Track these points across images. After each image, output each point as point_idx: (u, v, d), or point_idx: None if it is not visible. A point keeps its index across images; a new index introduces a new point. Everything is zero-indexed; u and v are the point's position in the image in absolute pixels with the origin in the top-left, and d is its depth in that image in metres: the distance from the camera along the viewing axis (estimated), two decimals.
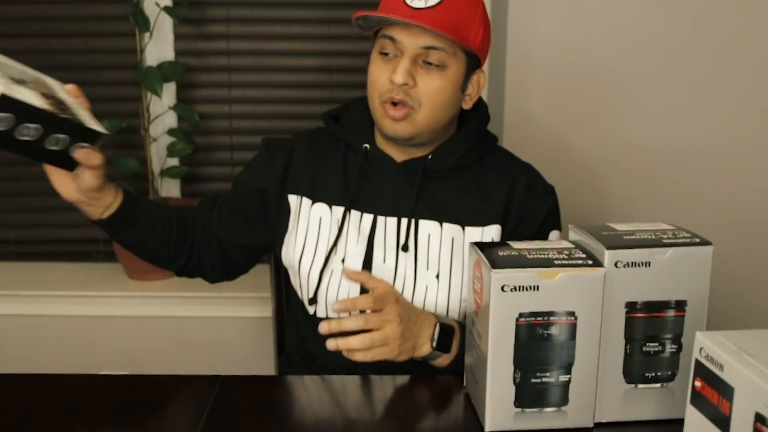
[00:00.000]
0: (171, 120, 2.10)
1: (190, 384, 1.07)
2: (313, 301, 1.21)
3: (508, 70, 1.91)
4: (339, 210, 1.21)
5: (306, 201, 1.23)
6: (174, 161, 2.12)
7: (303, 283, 1.22)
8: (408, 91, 1.12)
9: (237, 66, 2.09)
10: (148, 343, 2.00)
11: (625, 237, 0.90)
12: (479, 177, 1.22)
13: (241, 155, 2.13)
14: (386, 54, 1.14)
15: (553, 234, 1.23)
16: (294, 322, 1.32)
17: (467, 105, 1.22)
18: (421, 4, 1.09)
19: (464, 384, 1.00)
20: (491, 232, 1.19)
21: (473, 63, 1.18)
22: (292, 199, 1.24)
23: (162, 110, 2.06)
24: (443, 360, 1.10)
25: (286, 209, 1.24)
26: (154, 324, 1.99)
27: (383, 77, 1.14)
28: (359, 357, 1.02)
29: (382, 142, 1.22)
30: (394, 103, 1.13)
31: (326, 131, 1.28)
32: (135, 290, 1.99)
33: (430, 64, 1.12)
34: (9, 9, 2.03)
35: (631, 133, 1.94)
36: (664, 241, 0.88)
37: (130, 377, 1.08)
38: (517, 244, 0.93)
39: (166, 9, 1.94)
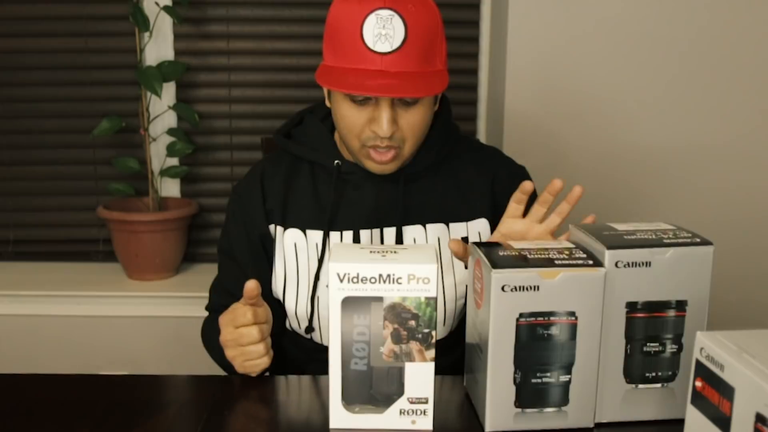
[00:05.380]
0: (170, 120, 2.10)
1: (190, 384, 1.07)
2: (309, 329, 1.19)
3: (508, 71, 1.91)
4: (315, 234, 1.17)
5: (279, 229, 1.19)
6: (174, 161, 2.12)
7: (292, 315, 1.19)
8: (392, 135, 1.08)
9: (237, 66, 2.09)
10: (148, 343, 2.00)
11: (625, 237, 0.90)
12: (454, 170, 1.22)
13: (241, 155, 2.13)
14: (359, 100, 1.08)
15: None
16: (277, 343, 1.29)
17: (436, 107, 1.19)
18: (387, 48, 1.03)
19: (464, 384, 1.00)
20: (477, 227, 1.19)
21: None
22: (271, 228, 1.20)
23: (161, 110, 2.06)
24: None
25: (271, 240, 1.20)
26: (154, 324, 1.99)
27: (360, 123, 1.09)
28: None
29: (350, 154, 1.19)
30: (379, 148, 1.10)
31: (285, 152, 1.24)
32: (134, 290, 1.99)
33: (408, 102, 1.08)
34: (9, 9, 2.03)
35: (630, 134, 1.94)
36: (664, 241, 0.88)
37: (130, 377, 1.08)
38: (517, 244, 0.93)
39: (166, 8, 1.94)
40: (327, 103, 1.18)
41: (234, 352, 1.01)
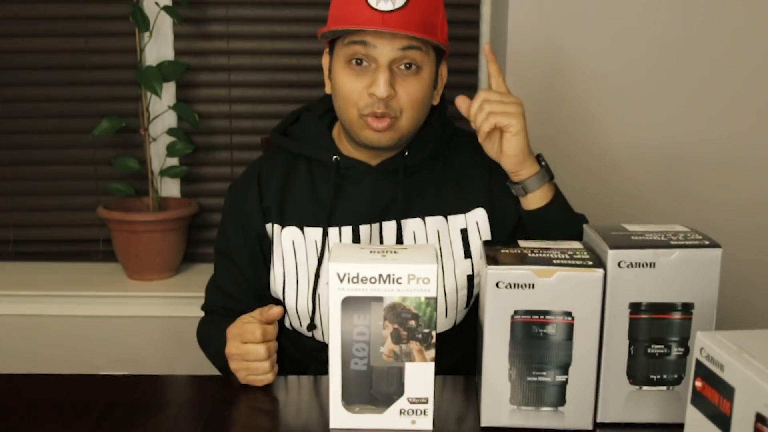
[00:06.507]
0: (170, 120, 2.10)
1: (190, 384, 1.07)
2: (311, 326, 1.19)
3: (508, 70, 1.91)
4: (314, 231, 1.17)
5: (276, 227, 1.19)
6: (174, 161, 2.12)
7: (293, 313, 1.19)
8: (389, 102, 1.09)
9: (237, 66, 2.09)
10: (148, 343, 2.00)
11: (632, 238, 0.89)
12: (451, 163, 1.23)
13: (241, 155, 2.13)
14: (359, 63, 1.10)
15: None
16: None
17: (436, 101, 1.20)
18: (389, 7, 1.06)
19: (476, 379, 1.01)
20: (475, 217, 1.19)
21: (439, 57, 1.17)
22: (268, 227, 1.20)
23: (162, 110, 2.06)
24: (544, 193, 1.16)
25: (268, 239, 1.20)
26: (154, 324, 1.99)
27: (358, 89, 1.10)
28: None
29: (350, 149, 1.19)
30: (376, 115, 1.11)
31: (281, 150, 1.24)
32: (134, 290, 1.99)
33: (408, 68, 1.10)
34: (9, 9, 2.03)
35: (631, 134, 1.94)
36: (671, 242, 0.87)
37: (130, 377, 1.08)
38: (525, 243, 0.93)
39: (166, 8, 1.94)
40: (327, 89, 1.18)
41: (238, 365, 1.02)
